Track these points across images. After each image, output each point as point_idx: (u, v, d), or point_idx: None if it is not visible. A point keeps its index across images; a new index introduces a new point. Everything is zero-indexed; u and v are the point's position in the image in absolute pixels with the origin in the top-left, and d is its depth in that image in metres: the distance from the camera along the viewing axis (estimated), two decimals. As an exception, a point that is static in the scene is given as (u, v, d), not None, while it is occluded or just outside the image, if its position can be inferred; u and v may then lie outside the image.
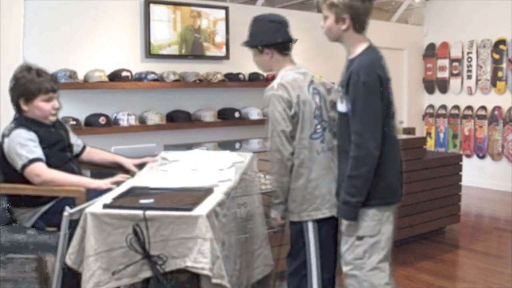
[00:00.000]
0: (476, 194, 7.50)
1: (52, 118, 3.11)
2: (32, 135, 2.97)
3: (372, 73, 2.42)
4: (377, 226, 2.52)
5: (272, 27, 2.85)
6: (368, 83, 2.39)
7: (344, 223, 2.58)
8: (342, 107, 2.54)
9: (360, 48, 2.52)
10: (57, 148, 3.10)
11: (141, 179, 2.78)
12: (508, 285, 4.25)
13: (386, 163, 2.47)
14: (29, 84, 3.01)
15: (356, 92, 2.41)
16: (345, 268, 2.60)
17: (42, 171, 2.90)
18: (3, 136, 3.01)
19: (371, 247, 2.53)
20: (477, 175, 7.93)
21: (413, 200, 5.08)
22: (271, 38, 2.83)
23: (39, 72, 3.06)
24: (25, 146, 2.92)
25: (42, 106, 3.04)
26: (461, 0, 8.21)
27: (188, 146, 4.20)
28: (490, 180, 7.91)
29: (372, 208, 2.50)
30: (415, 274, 4.47)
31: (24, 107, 3.04)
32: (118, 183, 2.84)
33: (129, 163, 3.29)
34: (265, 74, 6.09)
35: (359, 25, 2.51)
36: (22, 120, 3.05)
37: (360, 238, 2.53)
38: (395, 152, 2.56)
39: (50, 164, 2.97)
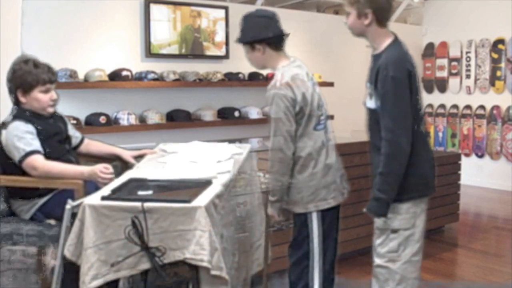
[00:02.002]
0: (474, 193, 7.51)
1: (50, 110, 3.11)
2: (29, 128, 2.97)
3: (401, 67, 2.41)
4: (412, 219, 2.54)
5: (261, 23, 2.82)
6: (397, 77, 2.38)
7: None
8: (371, 103, 2.54)
9: (386, 42, 2.52)
10: (55, 140, 3.10)
11: (140, 171, 2.76)
12: (507, 283, 4.27)
13: (419, 157, 2.48)
14: (26, 76, 3.00)
15: (385, 87, 2.40)
16: (378, 261, 2.60)
17: (39, 163, 2.90)
18: (1, 128, 3.01)
19: (405, 240, 2.54)
20: (475, 174, 7.95)
21: (412, 199, 5.09)
22: (261, 34, 2.80)
23: (36, 63, 3.05)
24: (23, 139, 2.92)
25: (40, 98, 3.03)
26: (460, 0, 8.26)
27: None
28: (489, 179, 7.94)
29: (407, 201, 2.51)
30: (414, 273, 4.49)
31: (22, 99, 3.04)
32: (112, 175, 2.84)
33: (127, 154, 3.30)
34: (264, 73, 6.12)
35: (382, 19, 2.51)
36: (20, 112, 3.04)
37: (395, 231, 2.54)
38: (426, 145, 2.58)
39: (48, 156, 2.97)
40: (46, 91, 3.05)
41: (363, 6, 2.48)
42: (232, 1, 6.49)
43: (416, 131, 2.47)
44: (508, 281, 4.32)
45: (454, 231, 5.74)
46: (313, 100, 2.80)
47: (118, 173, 2.89)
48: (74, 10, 5.20)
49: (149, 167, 2.86)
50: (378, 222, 2.58)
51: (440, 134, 8.60)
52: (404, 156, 2.42)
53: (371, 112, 2.56)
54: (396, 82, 2.39)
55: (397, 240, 2.54)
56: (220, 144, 3.38)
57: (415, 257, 2.58)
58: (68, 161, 3.07)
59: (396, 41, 2.54)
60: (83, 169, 2.96)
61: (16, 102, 3.08)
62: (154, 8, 5.63)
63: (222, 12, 6.13)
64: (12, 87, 3.05)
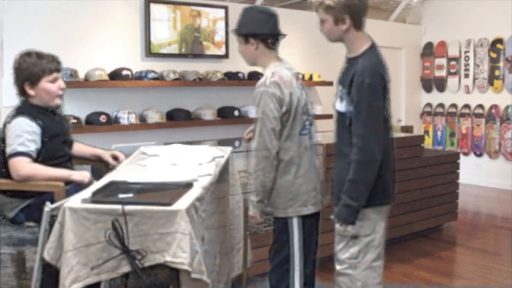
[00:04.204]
0: (473, 191, 7.55)
1: (58, 102, 3.07)
2: (33, 126, 2.93)
3: (376, 74, 2.39)
4: (372, 225, 2.51)
5: (261, 18, 2.82)
6: (372, 85, 2.36)
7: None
8: (341, 106, 2.50)
9: (363, 47, 2.49)
10: (59, 140, 3.07)
11: (121, 174, 2.71)
12: (505, 282, 4.30)
13: (384, 165, 2.45)
14: (32, 68, 2.96)
15: (360, 94, 2.37)
16: (338, 267, 2.58)
17: (21, 167, 2.85)
18: (5, 123, 2.98)
19: (365, 246, 2.52)
20: (474, 173, 7.98)
21: (411, 198, 5.12)
22: (258, 29, 2.80)
23: (39, 55, 3.02)
24: (19, 137, 2.88)
25: (48, 87, 3.00)
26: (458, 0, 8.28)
27: (188, 144, 4.22)
28: (487, 178, 7.97)
29: (368, 208, 2.48)
30: (413, 271, 4.51)
31: (31, 92, 2.99)
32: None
33: (106, 154, 3.31)
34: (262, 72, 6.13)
35: (359, 22, 2.47)
36: (26, 107, 3.00)
37: (354, 237, 2.51)
38: (390, 152, 2.55)
39: (48, 158, 2.95)
40: (54, 80, 3.02)
41: (340, 12, 2.43)
42: (232, 1, 6.51)
43: (385, 139, 2.45)
44: (507, 279, 4.34)
45: (453, 230, 5.77)
46: (299, 103, 2.80)
47: (99, 176, 2.84)
48: (75, 10, 5.22)
49: (130, 170, 2.82)
50: (339, 228, 2.54)
51: (439, 133, 8.62)
52: (376, 163, 2.40)
53: (340, 115, 2.53)
54: (371, 90, 2.37)
55: (357, 246, 2.51)
56: (201, 146, 3.35)
57: (376, 262, 2.55)
58: (66, 168, 3.03)
59: (373, 47, 2.51)
60: (72, 172, 2.94)
61: (24, 97, 3.03)
62: (154, 8, 5.65)
63: (222, 12, 6.14)
64: (19, 81, 3.00)
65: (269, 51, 2.85)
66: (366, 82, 2.36)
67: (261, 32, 2.80)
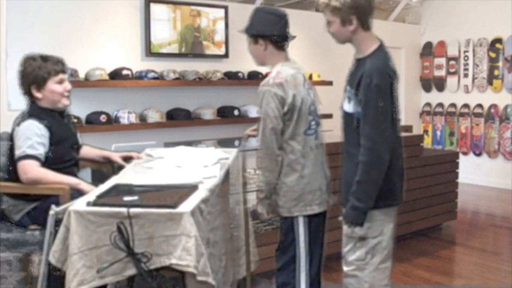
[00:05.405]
0: (472, 191, 7.56)
1: (66, 102, 3.08)
2: (42, 129, 2.94)
3: (384, 75, 2.39)
4: (380, 227, 2.51)
5: (270, 19, 2.85)
6: (380, 85, 2.36)
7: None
8: (349, 107, 2.50)
9: (372, 47, 2.48)
10: (66, 144, 3.08)
11: (126, 176, 2.72)
12: (504, 281, 4.31)
13: (391, 165, 2.44)
14: (37, 71, 2.99)
15: (368, 95, 2.37)
16: (346, 268, 2.58)
17: (30, 169, 2.86)
18: (14, 126, 3.00)
19: (373, 248, 2.52)
20: (473, 172, 7.99)
21: (410, 197, 5.12)
22: (267, 30, 2.82)
23: (44, 57, 3.04)
24: (28, 140, 2.90)
25: (55, 89, 3.01)
26: (458, -1, 8.29)
27: (188, 144, 4.23)
28: (487, 177, 7.98)
29: (376, 209, 2.48)
30: (412, 270, 4.52)
31: (38, 95, 3.01)
32: None
33: (116, 156, 3.31)
34: (264, 72, 6.14)
35: (366, 23, 2.47)
36: (35, 110, 3.02)
37: (362, 239, 2.51)
38: (398, 153, 2.54)
39: (56, 161, 2.96)
40: (60, 82, 3.04)
41: (347, 13, 2.43)
42: (232, 1, 6.51)
43: (393, 140, 2.45)
44: (506, 278, 4.35)
45: (452, 229, 5.78)
46: (303, 104, 2.81)
47: (101, 178, 2.87)
48: (75, 10, 5.23)
49: (135, 173, 2.82)
50: (346, 229, 2.54)
51: (438, 133, 8.64)
52: (383, 164, 2.39)
53: (347, 116, 2.54)
54: (379, 90, 2.36)
55: (364, 248, 2.52)
56: (206, 149, 3.35)
57: (383, 264, 2.56)
58: (71, 173, 3.03)
59: (381, 47, 2.51)
60: (81, 181, 2.95)
61: (32, 100, 3.05)
62: (154, 8, 5.66)
63: (221, 12, 6.15)
64: (26, 85, 3.02)
65: (278, 52, 2.88)
66: (374, 83, 2.36)
67: (269, 33, 2.83)
